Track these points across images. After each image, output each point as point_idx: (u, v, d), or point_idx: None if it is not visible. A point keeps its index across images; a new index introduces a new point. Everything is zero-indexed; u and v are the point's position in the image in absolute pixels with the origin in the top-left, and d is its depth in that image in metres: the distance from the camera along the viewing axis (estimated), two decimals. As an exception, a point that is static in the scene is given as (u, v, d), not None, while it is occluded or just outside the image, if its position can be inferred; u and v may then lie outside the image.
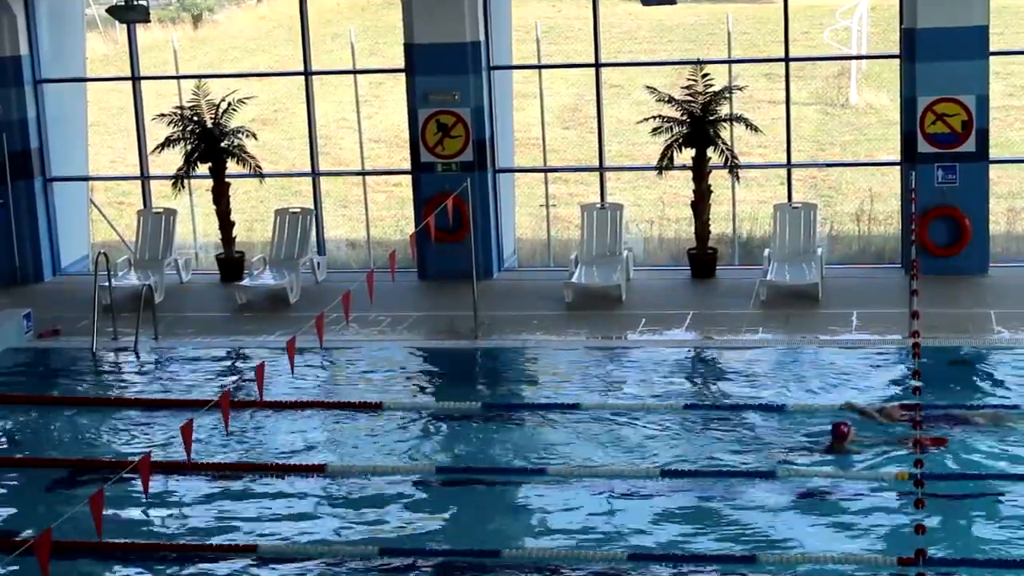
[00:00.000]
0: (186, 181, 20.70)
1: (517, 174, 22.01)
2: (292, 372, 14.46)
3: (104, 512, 9.71)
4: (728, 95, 19.76)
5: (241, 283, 19.77)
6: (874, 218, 23.28)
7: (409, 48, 19.87)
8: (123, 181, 25.93)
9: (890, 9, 26.45)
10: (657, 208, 24.88)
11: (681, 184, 21.82)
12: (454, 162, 19.84)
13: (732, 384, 15.98)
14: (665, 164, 19.54)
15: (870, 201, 23.71)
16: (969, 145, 18.75)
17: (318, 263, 20.46)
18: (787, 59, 20.18)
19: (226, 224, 20.62)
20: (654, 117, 19.62)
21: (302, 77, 21.33)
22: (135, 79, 21.58)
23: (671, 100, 19.53)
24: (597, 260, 19.63)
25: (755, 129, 19.60)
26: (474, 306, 17.70)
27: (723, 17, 27.45)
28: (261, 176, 20.92)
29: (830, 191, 26.19)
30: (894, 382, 15.69)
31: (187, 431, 10.87)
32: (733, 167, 19.50)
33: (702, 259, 19.75)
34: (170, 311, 19.18)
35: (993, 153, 19.30)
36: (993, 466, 13.47)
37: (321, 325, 13.23)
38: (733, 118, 19.71)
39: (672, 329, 17.68)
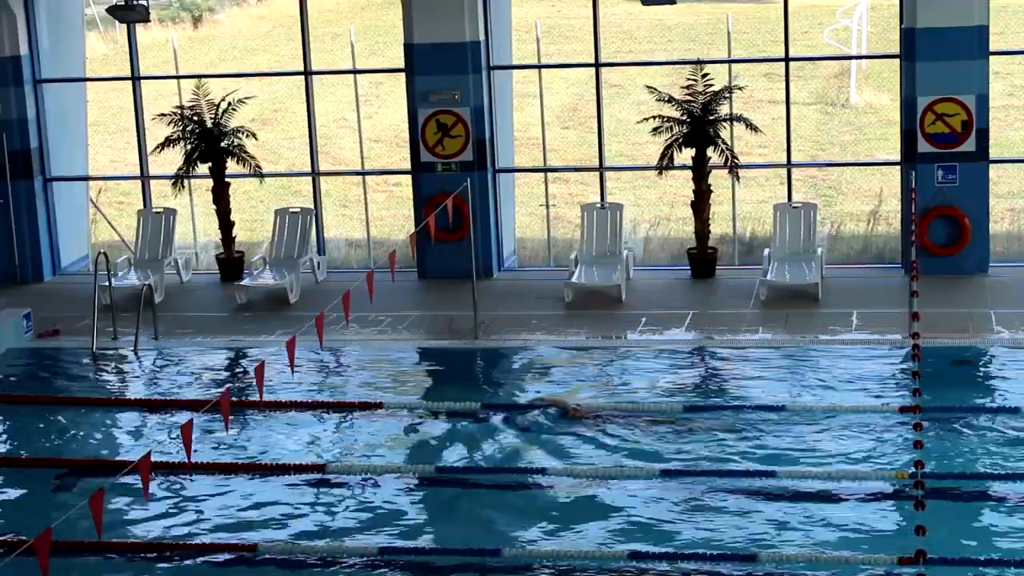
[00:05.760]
0: (186, 181, 20.70)
1: (517, 174, 22.00)
2: (292, 372, 14.46)
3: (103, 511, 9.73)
4: (728, 95, 19.76)
5: (241, 283, 19.76)
6: (876, 218, 23.27)
7: (409, 48, 19.86)
8: (123, 181, 25.92)
9: (890, 9, 26.47)
10: (657, 208, 24.87)
11: (681, 184, 21.81)
12: (454, 162, 19.83)
13: (732, 384, 15.99)
14: (665, 164, 19.54)
15: (878, 202, 23.68)
16: (969, 145, 18.73)
17: (318, 263, 20.45)
18: (787, 59, 20.16)
19: (226, 224, 20.61)
20: (654, 117, 19.61)
21: (302, 77, 21.31)
22: (135, 79, 21.57)
23: (671, 100, 19.53)
24: (597, 260, 19.63)
25: (755, 129, 19.58)
26: (474, 306, 17.69)
27: (723, 17, 27.44)
28: (261, 176, 20.91)
29: (830, 191, 26.18)
30: (893, 381, 15.71)
31: (187, 431, 10.87)
32: (733, 167, 19.49)
33: (702, 259, 19.74)
34: (170, 311, 19.17)
35: (993, 153, 19.28)
36: (993, 466, 13.49)
37: (321, 325, 13.23)
38: (733, 118, 19.70)
39: (672, 329, 17.67)
